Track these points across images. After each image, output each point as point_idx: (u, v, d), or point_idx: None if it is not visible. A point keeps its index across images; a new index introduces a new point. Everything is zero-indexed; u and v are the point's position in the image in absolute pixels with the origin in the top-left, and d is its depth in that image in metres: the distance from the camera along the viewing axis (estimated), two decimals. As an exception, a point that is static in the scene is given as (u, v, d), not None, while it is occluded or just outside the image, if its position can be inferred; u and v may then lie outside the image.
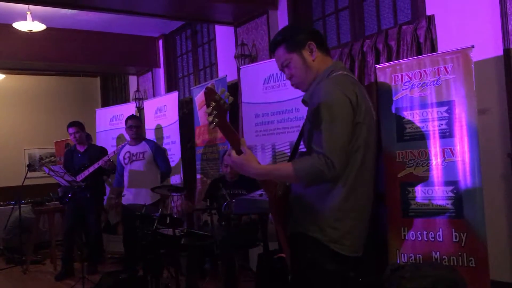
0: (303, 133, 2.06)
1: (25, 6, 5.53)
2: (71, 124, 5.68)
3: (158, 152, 5.20)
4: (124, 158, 5.21)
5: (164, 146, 6.28)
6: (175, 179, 6.06)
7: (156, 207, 4.87)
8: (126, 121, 5.24)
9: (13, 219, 6.81)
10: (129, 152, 5.20)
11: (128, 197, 5.20)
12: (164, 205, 6.09)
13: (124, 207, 5.31)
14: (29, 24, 5.73)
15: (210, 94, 1.85)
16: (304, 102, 2.05)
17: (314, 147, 1.86)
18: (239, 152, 1.95)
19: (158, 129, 6.38)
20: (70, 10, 6.01)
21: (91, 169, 5.38)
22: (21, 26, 5.75)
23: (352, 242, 1.95)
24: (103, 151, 5.78)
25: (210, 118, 1.86)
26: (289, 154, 4.54)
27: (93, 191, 5.41)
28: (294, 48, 2.03)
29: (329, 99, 1.85)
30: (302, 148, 2.08)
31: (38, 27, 5.83)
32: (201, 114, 5.84)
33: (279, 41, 2.06)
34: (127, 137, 5.48)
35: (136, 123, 5.18)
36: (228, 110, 1.92)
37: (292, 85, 2.13)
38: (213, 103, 1.85)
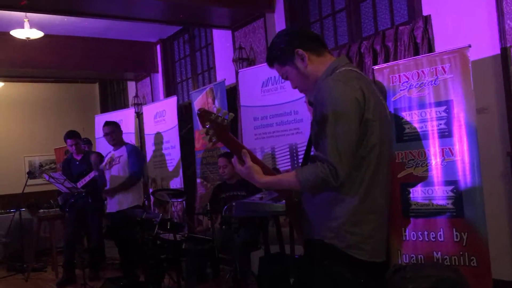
0: (311, 136, 1.95)
1: (23, 13, 5.54)
2: (68, 136, 5.65)
3: (132, 154, 5.15)
4: (106, 163, 5.23)
5: (164, 151, 6.28)
6: (175, 183, 6.06)
7: (141, 209, 4.85)
8: (102, 129, 5.26)
9: (14, 223, 6.85)
10: (111, 157, 5.23)
11: (110, 204, 5.20)
12: (165, 210, 6.09)
13: (109, 214, 5.31)
14: (27, 31, 5.74)
15: (204, 116, 1.84)
16: (310, 103, 1.93)
17: (318, 154, 1.77)
18: (243, 163, 1.91)
19: (158, 134, 6.38)
20: (66, 17, 6.01)
21: (92, 174, 5.38)
22: (18, 33, 5.76)
23: (373, 247, 1.83)
24: (99, 156, 5.80)
25: (207, 138, 1.85)
26: (288, 156, 4.55)
27: (94, 197, 5.40)
28: (285, 61, 1.95)
29: (332, 99, 1.73)
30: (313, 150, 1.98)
31: (36, 34, 5.83)
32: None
33: (271, 59, 2.01)
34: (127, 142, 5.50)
35: (108, 130, 5.17)
36: (229, 125, 1.88)
37: (301, 92, 2.06)
38: (207, 123, 1.84)
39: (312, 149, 1.94)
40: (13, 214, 6.84)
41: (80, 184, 5.36)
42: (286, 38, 1.94)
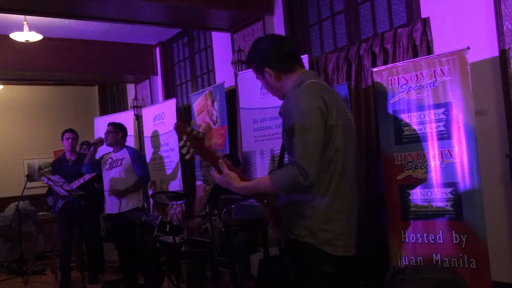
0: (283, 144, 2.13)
1: (22, 16, 5.54)
2: (69, 130, 5.68)
3: (137, 159, 5.18)
4: (106, 164, 5.23)
5: (162, 153, 6.28)
6: (174, 186, 6.06)
7: (141, 212, 4.85)
8: None
9: (12, 209, 6.93)
10: (111, 158, 5.24)
11: (108, 205, 5.20)
12: (164, 212, 6.09)
13: (108, 216, 5.30)
14: (26, 34, 5.74)
15: (180, 129, 2.02)
16: (280, 114, 2.10)
17: (290, 157, 1.95)
18: (220, 172, 2.08)
19: (155, 136, 6.38)
20: (66, 20, 6.02)
21: (87, 177, 5.37)
22: (18, 36, 5.76)
23: (345, 242, 1.99)
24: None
25: (184, 151, 2.02)
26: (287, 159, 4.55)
27: (89, 199, 5.35)
28: (257, 71, 2.16)
29: (298, 108, 1.92)
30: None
31: (35, 37, 5.83)
32: (199, 120, 5.84)
33: (248, 64, 2.22)
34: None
35: (109, 129, 5.20)
36: (203, 138, 2.06)
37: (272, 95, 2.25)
38: (184, 136, 2.01)
39: (286, 156, 2.11)
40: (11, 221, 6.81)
41: (75, 185, 5.33)
42: (261, 55, 2.12)
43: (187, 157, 2.02)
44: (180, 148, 2.04)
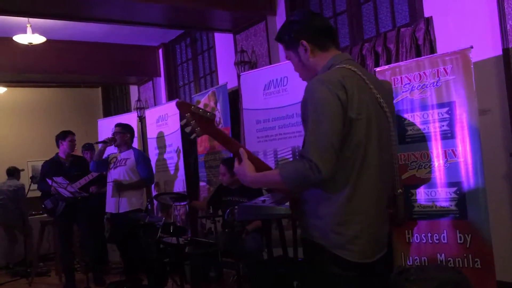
0: None
1: (25, 19, 5.55)
2: (72, 132, 5.65)
3: (141, 160, 5.20)
4: (111, 163, 5.25)
5: (166, 154, 6.28)
6: (178, 187, 6.06)
7: (143, 213, 4.85)
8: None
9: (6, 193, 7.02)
10: (116, 157, 5.26)
11: (108, 205, 5.20)
12: (168, 213, 6.09)
13: (111, 217, 5.31)
14: (29, 36, 5.75)
15: (183, 106, 1.86)
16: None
17: (301, 151, 1.78)
18: (240, 161, 1.91)
19: (160, 137, 6.39)
20: (72, 22, 6.03)
21: (87, 178, 5.37)
22: (21, 39, 5.78)
23: (362, 248, 1.77)
24: (85, 161, 5.91)
25: (188, 130, 1.86)
26: (291, 159, 4.54)
27: (84, 202, 5.32)
28: (289, 47, 1.96)
29: (313, 98, 1.74)
30: None
31: (38, 39, 5.85)
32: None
33: (278, 40, 2.02)
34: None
35: (117, 130, 5.22)
36: (213, 118, 1.90)
37: (302, 79, 2.05)
38: (188, 115, 1.85)
39: None
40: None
41: (79, 184, 5.33)
42: (296, 26, 1.93)
43: (191, 137, 1.87)
44: (183, 126, 1.88)
